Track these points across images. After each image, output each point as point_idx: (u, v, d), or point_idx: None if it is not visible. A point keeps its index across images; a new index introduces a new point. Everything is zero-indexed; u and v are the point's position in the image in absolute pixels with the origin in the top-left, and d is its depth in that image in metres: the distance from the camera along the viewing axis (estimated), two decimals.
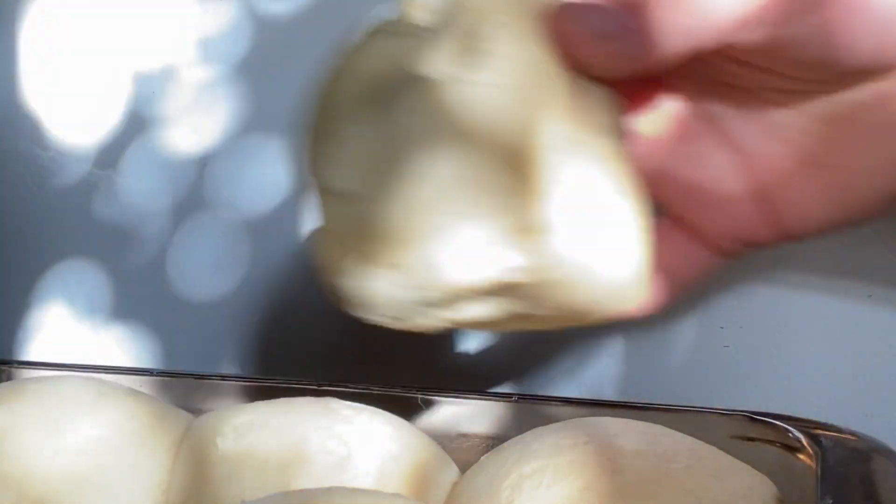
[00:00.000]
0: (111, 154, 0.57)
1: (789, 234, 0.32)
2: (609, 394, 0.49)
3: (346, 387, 0.50)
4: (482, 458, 0.40)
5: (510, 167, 0.26)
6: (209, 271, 0.56)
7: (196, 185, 0.56)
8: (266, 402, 0.43)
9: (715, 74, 0.30)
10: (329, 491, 0.34)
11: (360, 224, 0.28)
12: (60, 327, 0.58)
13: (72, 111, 0.58)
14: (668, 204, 0.33)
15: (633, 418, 0.38)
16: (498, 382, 0.50)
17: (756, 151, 0.31)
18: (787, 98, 0.29)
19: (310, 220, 0.54)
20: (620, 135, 0.29)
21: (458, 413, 0.47)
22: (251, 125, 0.55)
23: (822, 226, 0.31)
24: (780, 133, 0.30)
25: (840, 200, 0.30)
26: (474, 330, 0.26)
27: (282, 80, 0.55)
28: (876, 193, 0.30)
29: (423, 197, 0.27)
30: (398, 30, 0.29)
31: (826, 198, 0.30)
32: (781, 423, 0.38)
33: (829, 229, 0.31)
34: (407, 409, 0.47)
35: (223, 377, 0.51)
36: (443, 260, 0.27)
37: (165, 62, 0.56)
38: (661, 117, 0.32)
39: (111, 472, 0.40)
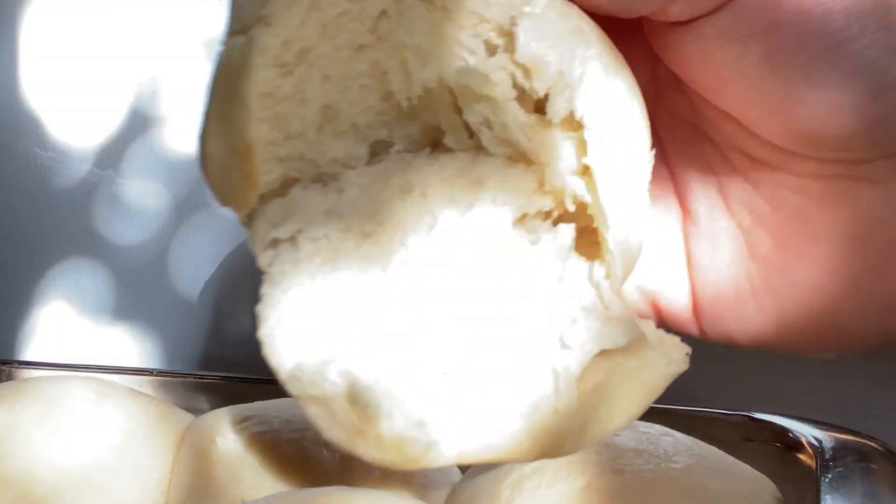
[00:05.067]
0: (111, 154, 0.57)
1: None
2: None
3: None
4: None
5: None
6: (209, 271, 0.56)
7: (196, 185, 0.56)
8: (266, 402, 0.43)
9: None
10: (329, 491, 0.34)
11: None
12: (60, 327, 0.58)
13: (72, 111, 0.58)
14: None
15: None
16: None
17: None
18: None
19: None
20: None
21: None
22: None
23: None
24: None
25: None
26: None
27: None
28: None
29: None
30: None
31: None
32: (781, 423, 0.38)
33: None
34: None
35: (223, 377, 0.51)
36: None
37: (166, 62, 0.56)
38: None
39: (111, 472, 0.40)
